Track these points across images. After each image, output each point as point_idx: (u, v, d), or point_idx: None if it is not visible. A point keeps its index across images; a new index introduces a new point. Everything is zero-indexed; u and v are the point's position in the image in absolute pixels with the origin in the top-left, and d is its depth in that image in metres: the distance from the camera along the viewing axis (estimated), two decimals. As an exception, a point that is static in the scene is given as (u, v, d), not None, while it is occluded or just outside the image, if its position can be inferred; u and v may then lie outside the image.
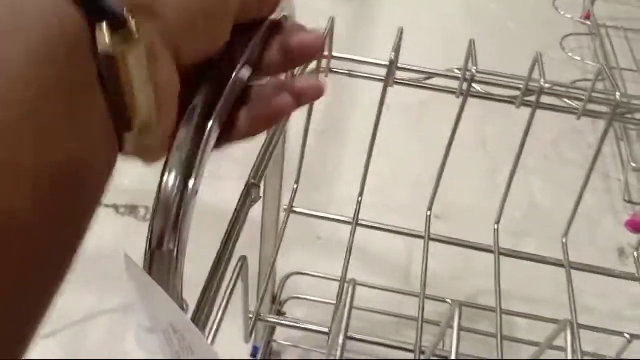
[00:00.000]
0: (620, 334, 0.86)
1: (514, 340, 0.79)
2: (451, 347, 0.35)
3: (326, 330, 0.42)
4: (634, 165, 1.03)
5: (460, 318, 0.36)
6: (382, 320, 0.87)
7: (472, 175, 1.15)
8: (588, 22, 1.49)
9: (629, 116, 0.58)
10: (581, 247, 1.12)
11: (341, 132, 1.22)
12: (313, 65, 0.59)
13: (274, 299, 0.77)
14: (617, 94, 0.52)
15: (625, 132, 1.09)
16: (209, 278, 0.36)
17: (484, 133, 1.23)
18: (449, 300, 0.81)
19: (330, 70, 0.61)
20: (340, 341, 0.35)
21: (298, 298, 0.83)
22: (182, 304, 0.31)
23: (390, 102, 1.32)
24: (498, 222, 0.57)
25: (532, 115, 0.54)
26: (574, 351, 0.35)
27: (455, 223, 1.06)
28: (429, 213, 0.58)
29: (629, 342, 0.78)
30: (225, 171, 0.99)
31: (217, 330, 0.32)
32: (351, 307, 0.36)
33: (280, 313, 0.79)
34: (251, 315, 0.46)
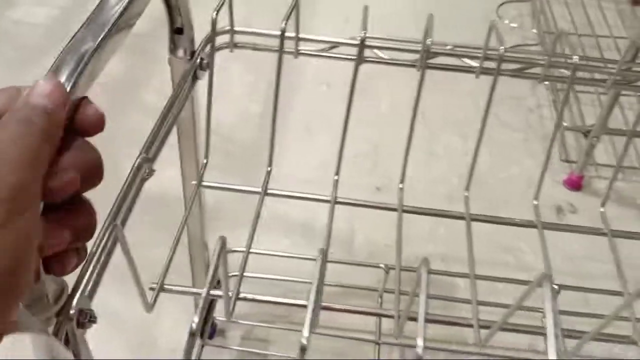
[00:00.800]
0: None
1: (441, 298, 0.82)
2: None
3: (218, 293, 0.44)
4: (565, 124, 1.05)
5: (323, 272, 0.38)
6: (329, 290, 0.89)
7: (412, 146, 1.18)
8: (527, -11, 1.52)
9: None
10: (520, 207, 1.15)
11: (285, 112, 1.23)
12: (220, 40, 0.60)
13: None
14: (502, 48, 0.54)
15: (557, 93, 1.12)
16: (91, 250, 0.38)
17: (424, 105, 1.25)
18: (382, 265, 0.83)
19: (235, 45, 0.62)
20: (231, 303, 0.38)
21: (236, 275, 0.84)
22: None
23: (331, 79, 1.33)
24: (402, 182, 0.59)
25: (422, 77, 0.56)
26: (426, 294, 0.36)
27: (394, 194, 1.08)
28: (335, 178, 0.60)
29: (557, 292, 0.81)
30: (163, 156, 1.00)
31: (90, 294, 0.33)
32: (225, 265, 0.37)
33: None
34: (155, 286, 0.48)
